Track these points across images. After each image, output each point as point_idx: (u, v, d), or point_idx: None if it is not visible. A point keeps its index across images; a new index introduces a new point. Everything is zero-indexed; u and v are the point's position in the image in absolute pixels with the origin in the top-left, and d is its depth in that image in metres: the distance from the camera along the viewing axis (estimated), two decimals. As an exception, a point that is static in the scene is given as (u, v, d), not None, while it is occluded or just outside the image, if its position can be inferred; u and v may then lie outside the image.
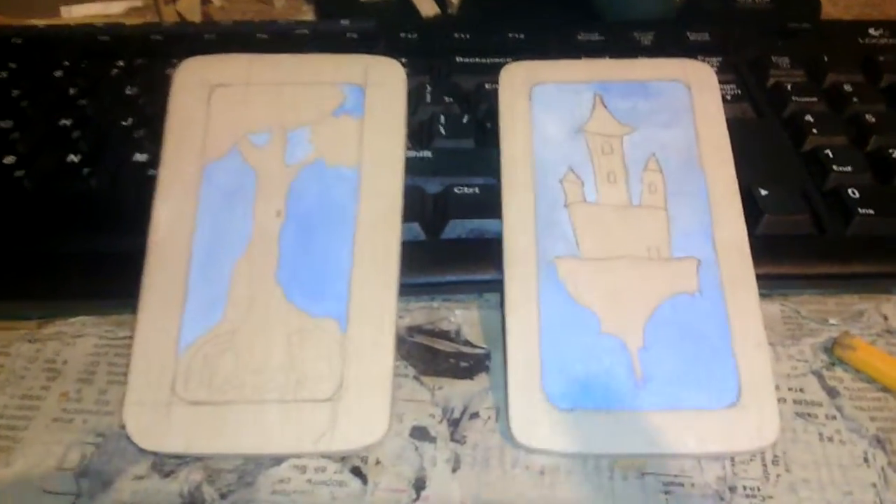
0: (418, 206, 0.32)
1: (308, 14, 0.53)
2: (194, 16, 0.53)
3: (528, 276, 0.30)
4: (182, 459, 0.27)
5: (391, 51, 0.42)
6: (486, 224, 0.32)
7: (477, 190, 0.33)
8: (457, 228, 0.32)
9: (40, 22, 0.53)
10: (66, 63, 0.42)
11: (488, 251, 0.31)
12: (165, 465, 0.27)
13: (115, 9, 0.54)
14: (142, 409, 0.28)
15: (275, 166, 0.32)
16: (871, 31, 0.45)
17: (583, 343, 0.29)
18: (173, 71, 0.34)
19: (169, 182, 0.31)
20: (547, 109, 0.33)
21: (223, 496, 0.26)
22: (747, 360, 0.28)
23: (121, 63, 0.42)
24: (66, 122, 0.38)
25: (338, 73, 0.34)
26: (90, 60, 0.42)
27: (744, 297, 0.29)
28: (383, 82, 0.33)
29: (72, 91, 0.40)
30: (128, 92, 0.40)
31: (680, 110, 0.33)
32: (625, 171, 0.32)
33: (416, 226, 0.32)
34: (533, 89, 0.34)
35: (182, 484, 0.27)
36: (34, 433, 0.28)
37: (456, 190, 0.33)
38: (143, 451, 0.27)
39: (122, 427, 0.27)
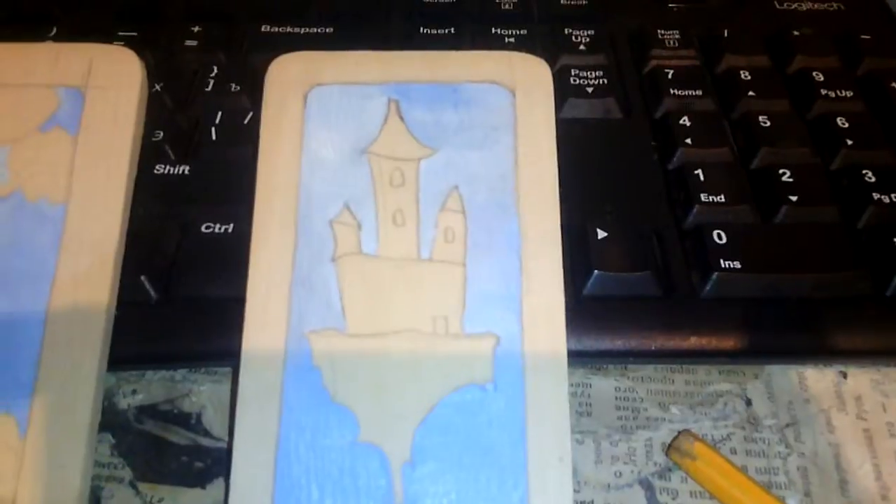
0: (152, 252, 0.25)
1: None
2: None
3: (272, 358, 0.23)
4: None
5: (184, 13, 0.33)
6: (237, 278, 0.24)
7: (231, 228, 0.25)
8: (196, 285, 0.25)
9: None
10: None
11: (237, 315, 0.24)
12: None
13: None
14: None
15: (-44, 201, 0.24)
16: (793, -10, 0.36)
17: (333, 457, 0.22)
18: None
19: None
20: (325, 121, 0.25)
21: None
22: (543, 483, 0.21)
23: None
24: None
25: (53, 70, 0.26)
26: None
27: (549, 391, 0.22)
28: (110, 83, 0.25)
29: None
30: None
31: (498, 125, 0.25)
32: (417, 211, 0.24)
33: (143, 281, 0.24)
34: (310, 92, 0.26)
35: None
36: None
37: (204, 229, 0.25)
38: None
39: None
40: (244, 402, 0.22)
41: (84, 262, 0.23)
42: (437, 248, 0.24)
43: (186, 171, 0.27)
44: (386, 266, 0.24)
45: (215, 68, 0.31)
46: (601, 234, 0.25)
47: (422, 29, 0.33)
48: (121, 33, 0.32)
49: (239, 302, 0.23)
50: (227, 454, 0.22)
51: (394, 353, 0.23)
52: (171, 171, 0.27)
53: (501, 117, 0.25)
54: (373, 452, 0.22)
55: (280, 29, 0.33)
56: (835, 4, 0.34)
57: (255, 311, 0.23)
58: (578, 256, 0.25)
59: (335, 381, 0.22)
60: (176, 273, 0.25)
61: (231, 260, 0.24)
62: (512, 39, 0.32)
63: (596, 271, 0.24)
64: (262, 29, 0.33)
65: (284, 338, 0.23)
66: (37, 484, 0.21)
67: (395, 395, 0.22)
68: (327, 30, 0.33)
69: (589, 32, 0.32)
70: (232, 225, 0.25)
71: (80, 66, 0.25)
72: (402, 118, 0.25)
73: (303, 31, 0.33)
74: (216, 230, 0.25)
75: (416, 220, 0.24)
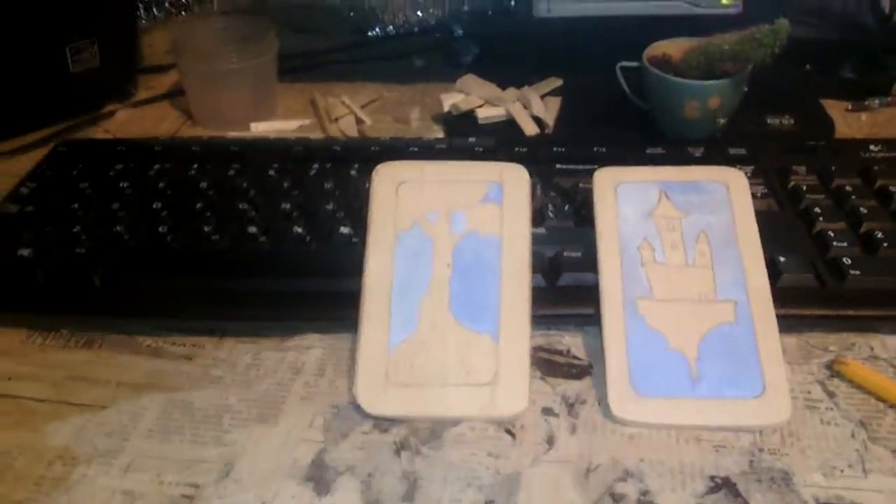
0: (539, 264, 0.48)
1: (438, 131, 0.70)
2: (352, 131, 0.70)
3: (618, 310, 0.44)
4: (394, 421, 0.42)
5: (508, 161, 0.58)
6: (586, 276, 0.47)
7: (580, 254, 0.48)
8: (567, 279, 0.47)
9: (236, 134, 0.71)
10: (276, 165, 0.59)
11: (588, 295, 0.46)
12: (383, 425, 0.42)
13: (290, 125, 0.72)
14: (367, 389, 0.42)
15: (444, 234, 0.47)
16: (871, 147, 0.59)
17: (656, 355, 0.43)
18: (368, 174, 0.50)
19: (374, 245, 0.47)
20: (627, 200, 0.48)
21: (422, 444, 0.40)
22: (769, 368, 0.42)
23: (315, 166, 0.59)
24: (286, 206, 0.54)
25: (483, 174, 0.50)
26: (293, 164, 0.59)
27: (767, 328, 0.43)
28: (514, 181, 0.49)
29: (285, 185, 0.57)
30: (326, 186, 0.56)
31: (721, 203, 0.48)
32: (682, 243, 0.46)
33: (538, 276, 0.47)
34: (618, 187, 0.49)
35: (394, 437, 0.41)
36: (290, 406, 0.43)
37: (565, 254, 0.48)
38: (367, 416, 0.42)
39: (352, 402, 0.42)
40: (608, 336, 0.43)
41: (515, 264, 0.46)
42: (696, 260, 0.46)
43: (543, 231, 0.50)
44: (671, 268, 0.46)
45: (538, 185, 0.54)
46: (782, 258, 0.47)
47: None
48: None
49: (587, 289, 0.45)
50: (590, 366, 0.43)
51: (682, 308, 0.44)
52: (535, 232, 0.50)
53: (723, 199, 0.48)
54: (678, 354, 0.43)
55: (565, 166, 0.57)
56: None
57: (606, 290, 0.45)
58: (772, 269, 0.46)
59: (652, 320, 0.44)
60: (555, 272, 0.47)
61: (583, 267, 0.47)
62: (706, 170, 0.55)
63: (784, 274, 0.46)
64: (556, 167, 0.57)
65: (622, 302, 0.44)
66: (506, 364, 0.43)
67: (685, 327, 0.43)
68: (593, 167, 0.56)
69: (751, 167, 0.56)
70: (579, 253, 0.48)
71: (497, 172, 0.49)
72: (668, 199, 0.48)
73: (580, 167, 0.56)
74: (572, 255, 0.48)
75: (683, 247, 0.46)
